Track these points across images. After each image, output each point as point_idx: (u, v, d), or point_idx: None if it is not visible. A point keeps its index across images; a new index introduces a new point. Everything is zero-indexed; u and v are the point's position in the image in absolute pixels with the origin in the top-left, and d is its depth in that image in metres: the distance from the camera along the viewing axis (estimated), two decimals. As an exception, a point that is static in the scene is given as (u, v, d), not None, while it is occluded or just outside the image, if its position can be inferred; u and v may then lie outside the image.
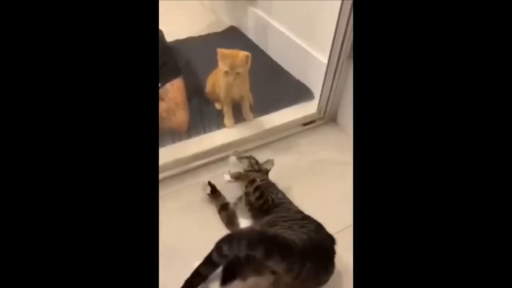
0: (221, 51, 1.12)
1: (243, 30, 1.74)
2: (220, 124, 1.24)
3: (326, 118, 1.29)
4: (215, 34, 1.75)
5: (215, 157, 1.16)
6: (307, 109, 1.30)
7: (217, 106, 1.31)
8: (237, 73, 1.12)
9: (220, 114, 1.28)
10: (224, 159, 1.17)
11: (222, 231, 0.98)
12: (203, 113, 1.27)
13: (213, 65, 1.34)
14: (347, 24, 1.08)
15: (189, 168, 1.13)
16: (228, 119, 1.23)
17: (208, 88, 1.32)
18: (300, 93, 1.37)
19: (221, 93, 1.21)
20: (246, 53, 1.13)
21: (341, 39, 1.11)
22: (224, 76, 1.14)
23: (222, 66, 1.13)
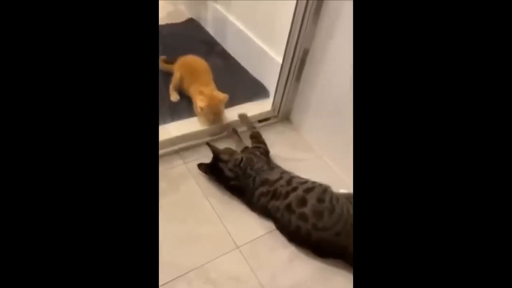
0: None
1: (202, 23, 1.74)
2: (174, 116, 1.23)
3: (280, 116, 1.35)
4: (174, 25, 1.72)
5: (167, 149, 1.16)
6: (263, 106, 1.34)
7: (172, 98, 1.31)
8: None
9: (174, 106, 1.28)
10: (177, 152, 1.17)
11: (193, 213, 0.99)
12: (160, 103, 1.25)
13: (171, 55, 1.35)
14: (301, 26, 1.13)
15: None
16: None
17: (175, 78, 1.33)
18: (256, 90, 1.41)
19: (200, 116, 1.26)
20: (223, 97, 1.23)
21: (295, 41, 1.16)
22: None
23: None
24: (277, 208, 0.98)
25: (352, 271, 0.93)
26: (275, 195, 0.99)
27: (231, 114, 1.28)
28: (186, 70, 1.32)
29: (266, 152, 1.14)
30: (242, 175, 1.04)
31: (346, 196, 1.01)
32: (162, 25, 1.70)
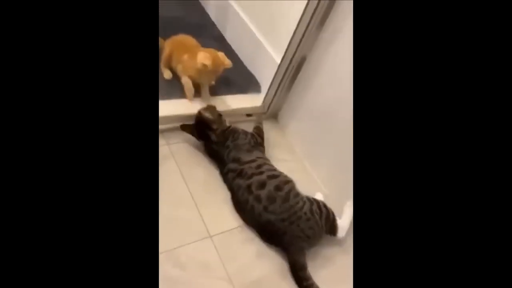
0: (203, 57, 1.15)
1: (203, 4, 1.70)
2: (164, 95, 1.21)
3: (268, 113, 1.36)
4: (173, 1, 1.67)
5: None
6: (253, 101, 1.35)
7: (165, 76, 1.28)
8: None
9: (167, 85, 1.25)
10: (162, 131, 1.15)
11: (170, 196, 0.96)
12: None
13: (166, 31, 1.31)
14: (305, 32, 1.15)
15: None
16: (188, 92, 1.23)
17: (165, 55, 1.29)
18: (249, 83, 1.41)
19: (185, 73, 1.23)
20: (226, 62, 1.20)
21: (296, 45, 1.18)
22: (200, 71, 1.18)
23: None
24: (239, 186, 1.02)
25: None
26: (241, 174, 1.03)
27: (223, 103, 1.28)
28: (176, 46, 1.28)
29: (259, 143, 1.16)
30: (222, 143, 1.09)
31: (312, 198, 1.05)
32: (162, 1, 1.65)
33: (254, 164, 1.05)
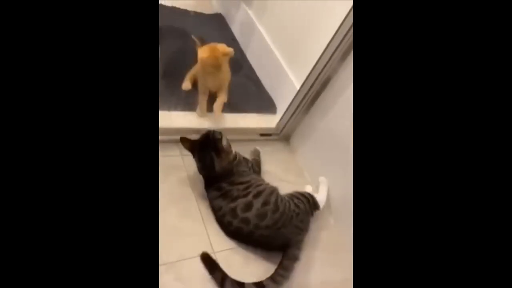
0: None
1: (229, 22, 1.74)
2: (185, 106, 1.23)
3: (281, 135, 1.38)
4: (200, 14, 1.72)
5: (169, 137, 1.15)
6: (268, 121, 1.37)
7: (183, 86, 1.31)
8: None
9: (188, 97, 1.27)
10: (177, 142, 1.16)
11: (177, 207, 0.98)
12: (172, 90, 1.25)
13: (187, 42, 1.33)
14: (328, 61, 1.17)
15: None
16: (200, 108, 1.24)
17: (195, 69, 1.31)
18: (265, 104, 1.44)
19: (199, 81, 1.23)
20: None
21: (318, 72, 1.21)
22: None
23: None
24: (219, 207, 1.02)
25: None
26: (225, 195, 1.02)
27: (238, 121, 1.30)
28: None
29: (256, 172, 1.17)
30: (225, 175, 1.05)
31: (289, 194, 1.10)
32: (187, 11, 1.70)
33: (242, 186, 1.03)
